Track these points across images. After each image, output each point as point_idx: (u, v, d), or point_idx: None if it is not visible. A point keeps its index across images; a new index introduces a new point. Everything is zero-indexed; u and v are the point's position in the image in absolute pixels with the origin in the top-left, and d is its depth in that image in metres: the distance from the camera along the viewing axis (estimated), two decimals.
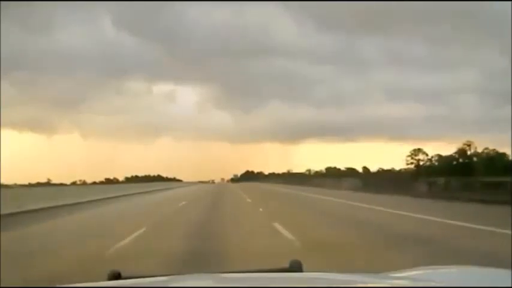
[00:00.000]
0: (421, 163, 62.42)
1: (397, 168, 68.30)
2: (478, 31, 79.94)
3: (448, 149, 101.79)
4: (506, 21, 42.68)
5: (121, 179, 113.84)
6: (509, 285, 1.44)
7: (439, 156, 60.91)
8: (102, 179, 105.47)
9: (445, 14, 76.94)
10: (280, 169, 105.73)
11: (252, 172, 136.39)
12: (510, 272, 1.56)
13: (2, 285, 5.43)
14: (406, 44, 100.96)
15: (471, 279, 1.63)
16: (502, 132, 74.55)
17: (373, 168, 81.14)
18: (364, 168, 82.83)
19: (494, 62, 78.88)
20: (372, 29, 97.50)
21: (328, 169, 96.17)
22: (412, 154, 62.70)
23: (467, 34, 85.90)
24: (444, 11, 75.59)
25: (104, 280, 1.81)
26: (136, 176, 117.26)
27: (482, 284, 1.59)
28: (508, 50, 59.28)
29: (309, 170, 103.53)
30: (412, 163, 62.92)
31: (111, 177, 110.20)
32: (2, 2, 46.71)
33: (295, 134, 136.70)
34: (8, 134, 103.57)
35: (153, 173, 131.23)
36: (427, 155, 62.83)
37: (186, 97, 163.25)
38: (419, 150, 63.09)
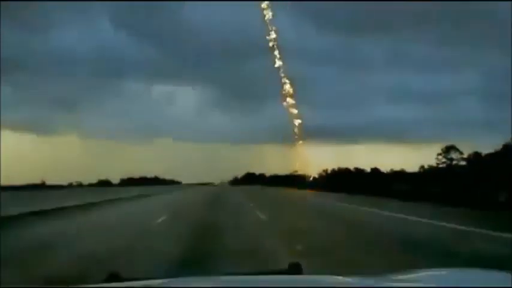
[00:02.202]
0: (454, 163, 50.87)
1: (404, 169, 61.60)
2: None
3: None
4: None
5: (115, 181, 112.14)
6: (509, 286, 1.44)
7: (477, 154, 46.28)
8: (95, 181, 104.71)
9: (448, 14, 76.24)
10: (282, 171, 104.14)
11: (253, 174, 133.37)
12: (510, 274, 1.56)
13: (2, 286, 5.42)
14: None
15: (471, 281, 1.63)
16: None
17: (384, 169, 74.70)
18: (375, 169, 76.49)
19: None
20: (372, 30, 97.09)
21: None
22: (443, 152, 51.48)
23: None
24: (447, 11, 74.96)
25: (102, 281, 1.81)
26: (132, 179, 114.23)
27: (483, 285, 1.58)
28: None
29: None
30: (443, 162, 51.21)
31: (105, 179, 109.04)
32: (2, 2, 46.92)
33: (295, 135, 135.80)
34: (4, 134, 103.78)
35: (150, 174, 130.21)
36: (461, 153, 50.90)
37: (185, 98, 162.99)
38: (451, 147, 51.80)
